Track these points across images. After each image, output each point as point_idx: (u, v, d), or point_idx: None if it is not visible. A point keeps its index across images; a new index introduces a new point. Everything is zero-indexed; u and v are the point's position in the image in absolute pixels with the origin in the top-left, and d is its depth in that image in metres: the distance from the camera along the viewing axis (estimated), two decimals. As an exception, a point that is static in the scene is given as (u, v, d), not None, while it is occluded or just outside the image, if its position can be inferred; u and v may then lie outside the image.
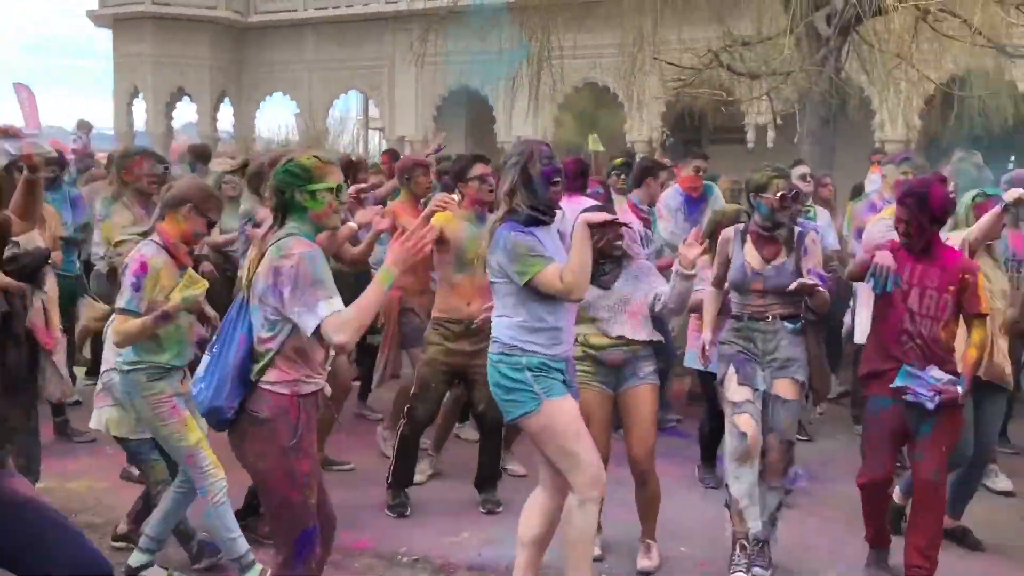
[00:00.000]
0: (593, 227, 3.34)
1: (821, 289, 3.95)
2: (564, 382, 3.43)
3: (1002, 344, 4.40)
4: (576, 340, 3.90)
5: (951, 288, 3.79)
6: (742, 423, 3.98)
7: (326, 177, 3.00)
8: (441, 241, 4.59)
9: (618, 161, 7.12)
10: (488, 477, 4.93)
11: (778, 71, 8.92)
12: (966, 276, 3.81)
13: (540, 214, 3.44)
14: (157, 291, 3.70)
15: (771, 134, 13.71)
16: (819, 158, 9.35)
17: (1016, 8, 8.45)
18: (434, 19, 12.29)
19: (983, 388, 4.27)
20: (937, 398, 3.68)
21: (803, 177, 6.90)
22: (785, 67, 8.77)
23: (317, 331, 2.82)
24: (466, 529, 4.61)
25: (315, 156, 3.04)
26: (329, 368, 3.20)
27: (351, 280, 4.72)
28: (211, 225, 4.00)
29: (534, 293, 3.36)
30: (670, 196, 6.60)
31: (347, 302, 2.88)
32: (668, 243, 6.33)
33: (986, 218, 4.25)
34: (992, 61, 9.38)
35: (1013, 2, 8.38)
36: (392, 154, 9.35)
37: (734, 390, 4.05)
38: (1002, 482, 5.28)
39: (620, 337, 4.02)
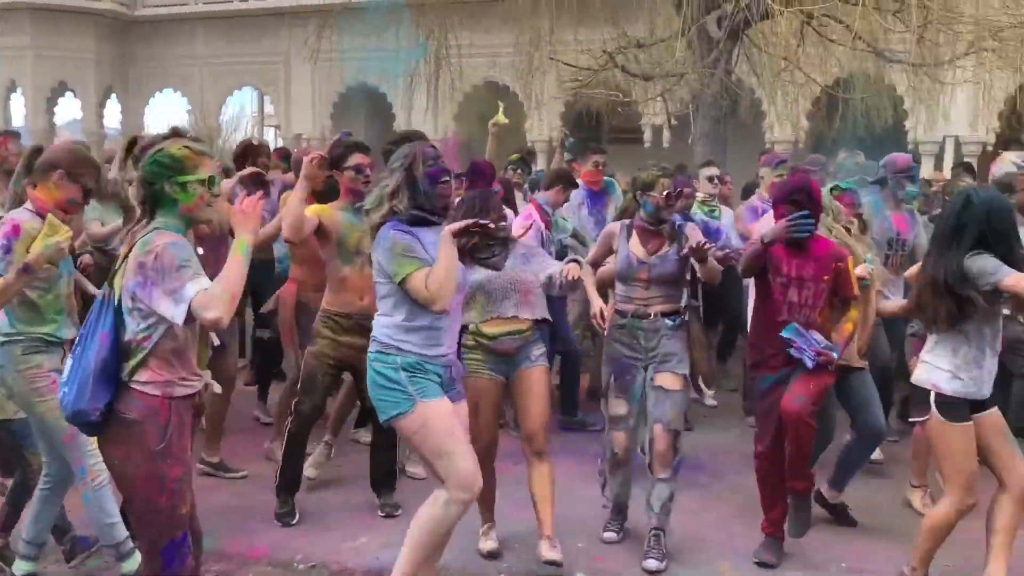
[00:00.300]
0: (459, 233, 3.35)
1: (711, 253, 4.16)
2: (441, 384, 3.43)
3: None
4: (468, 329, 4.00)
5: (825, 278, 4.10)
6: (616, 443, 4.35)
7: (198, 168, 2.89)
8: (321, 233, 4.56)
9: (514, 156, 7.17)
10: (384, 478, 4.86)
11: (671, 73, 9.12)
12: (839, 264, 4.13)
13: (428, 214, 3.44)
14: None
15: (667, 134, 14.01)
16: (712, 158, 9.61)
17: (893, 15, 8.84)
18: (330, 15, 12.10)
19: (841, 371, 4.40)
20: (817, 359, 3.98)
21: (711, 179, 7.10)
22: (678, 69, 8.96)
23: (190, 317, 2.71)
24: (364, 534, 4.54)
25: (186, 146, 2.91)
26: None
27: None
28: (87, 193, 3.75)
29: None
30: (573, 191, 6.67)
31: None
32: (578, 235, 6.38)
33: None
34: (873, 65, 9.79)
35: (890, 9, 8.76)
36: (283, 152, 9.13)
37: (613, 402, 4.33)
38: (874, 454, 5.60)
39: (513, 317, 4.08)
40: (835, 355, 4.05)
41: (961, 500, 3.70)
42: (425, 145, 3.53)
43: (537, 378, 4.16)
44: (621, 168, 8.64)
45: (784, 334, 4.03)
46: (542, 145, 15.29)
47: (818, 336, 4.05)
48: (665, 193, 4.22)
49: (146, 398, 2.81)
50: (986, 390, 3.73)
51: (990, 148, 13.33)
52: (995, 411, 3.78)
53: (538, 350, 4.19)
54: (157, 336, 2.81)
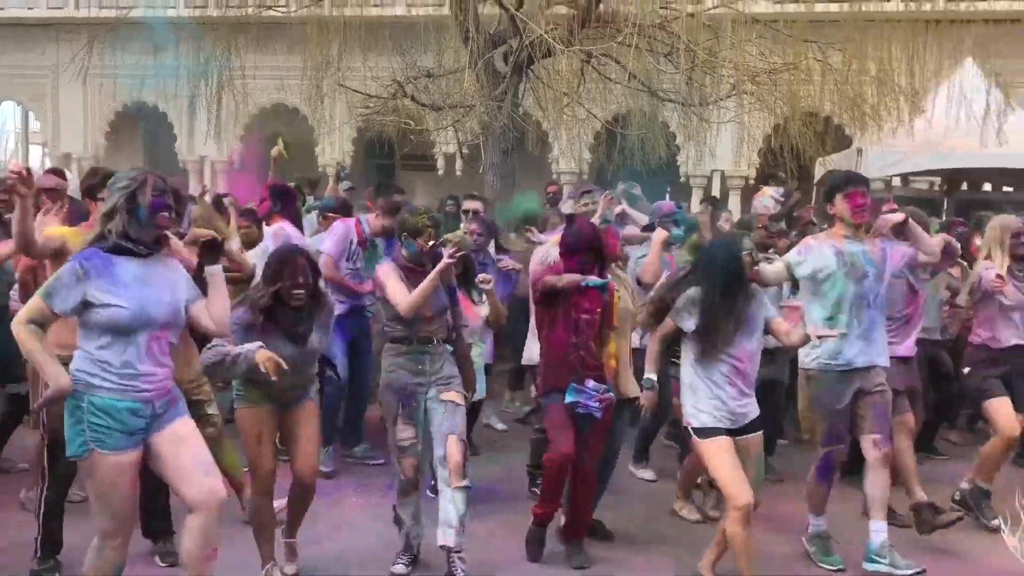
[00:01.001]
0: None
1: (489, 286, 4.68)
2: (129, 431, 3.24)
3: None
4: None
5: (599, 310, 4.48)
6: (408, 467, 4.40)
7: None
8: (61, 257, 4.10)
9: (292, 184, 7.06)
10: (160, 518, 4.53)
11: (460, 104, 9.28)
12: (609, 297, 4.54)
13: (134, 244, 3.30)
14: None
15: (459, 163, 14.22)
16: (501, 187, 9.86)
17: (665, 58, 9.47)
18: (103, 28, 11.37)
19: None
20: (601, 406, 4.39)
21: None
22: (467, 100, 9.13)
23: None
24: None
25: None
26: None
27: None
28: None
29: (96, 323, 3.21)
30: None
31: None
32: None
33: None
34: (648, 103, 10.40)
35: (662, 52, 9.38)
36: (58, 173, 8.44)
37: (400, 429, 4.38)
38: (647, 473, 6.08)
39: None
40: (612, 395, 4.51)
41: None
42: (157, 176, 3.39)
43: (309, 415, 4.25)
44: (415, 194, 8.69)
45: (567, 400, 4.38)
46: (334, 170, 15.08)
47: (593, 384, 4.40)
48: (431, 244, 4.44)
49: None
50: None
51: (751, 182, 14.56)
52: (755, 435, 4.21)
53: (313, 385, 4.30)
54: None
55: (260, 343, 3.83)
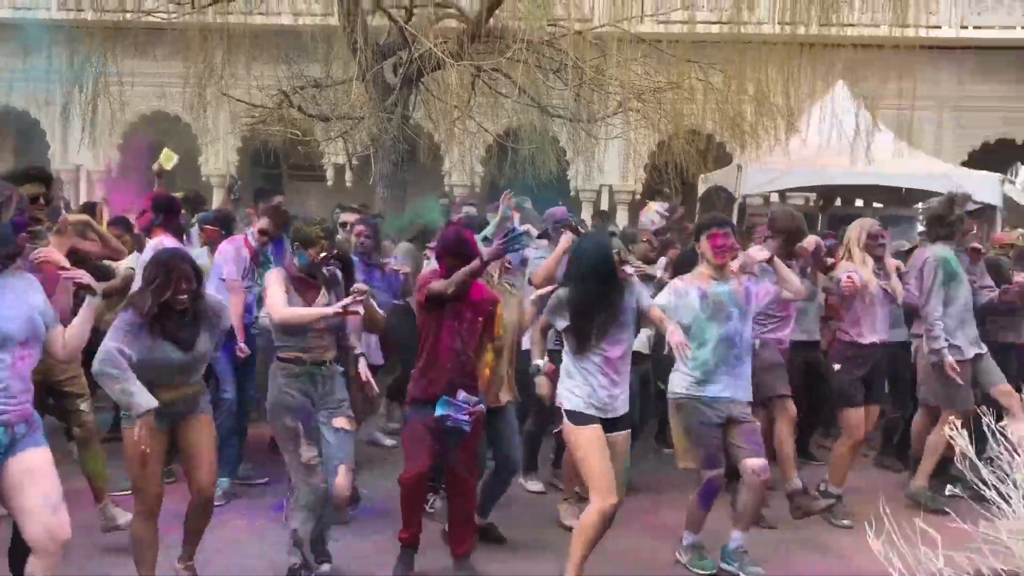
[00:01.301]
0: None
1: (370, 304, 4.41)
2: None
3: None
4: None
5: (480, 320, 4.48)
6: (317, 483, 4.31)
7: None
8: None
9: (179, 194, 6.82)
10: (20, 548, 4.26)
11: (349, 116, 9.17)
12: (492, 308, 4.55)
13: None
14: None
15: (349, 174, 14.05)
16: (392, 199, 9.80)
17: (554, 74, 9.61)
18: (-35, 29, 10.77)
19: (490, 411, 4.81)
20: (471, 420, 4.35)
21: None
22: (356, 112, 9.04)
23: None
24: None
25: None
26: None
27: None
28: None
29: None
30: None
31: None
32: None
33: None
34: (538, 118, 10.53)
35: (551, 68, 9.52)
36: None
37: (306, 449, 4.32)
38: (536, 485, 6.11)
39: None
40: (482, 407, 4.46)
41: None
42: (20, 195, 3.30)
43: (205, 428, 4.11)
44: (304, 205, 8.53)
45: (437, 413, 4.31)
46: (218, 180, 14.68)
47: (463, 396, 4.35)
48: (322, 255, 4.39)
49: None
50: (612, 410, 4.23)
51: (638, 197, 14.91)
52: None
53: (205, 397, 4.19)
54: None
55: (156, 404, 3.70)
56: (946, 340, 5.67)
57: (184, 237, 6.38)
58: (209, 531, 4.27)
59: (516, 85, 9.28)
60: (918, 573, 2.41)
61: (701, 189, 11.88)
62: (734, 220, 9.96)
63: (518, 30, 8.82)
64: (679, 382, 4.69)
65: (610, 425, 4.23)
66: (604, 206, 15.17)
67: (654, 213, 9.82)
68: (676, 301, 4.64)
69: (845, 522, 5.50)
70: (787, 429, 5.41)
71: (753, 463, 4.59)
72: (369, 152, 9.96)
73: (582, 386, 4.20)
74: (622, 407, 4.28)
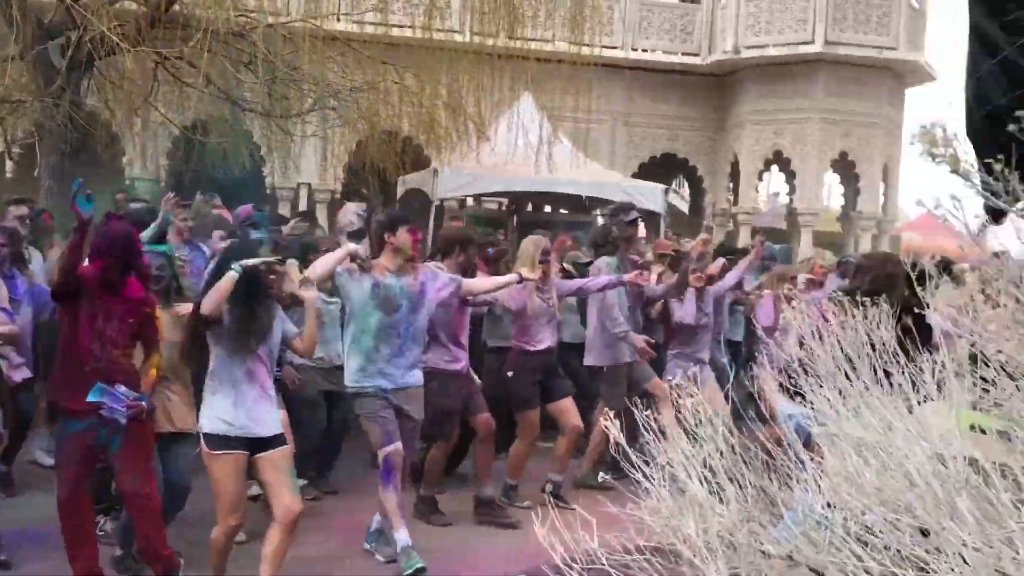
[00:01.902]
0: None
1: None
2: None
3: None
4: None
5: (131, 320, 4.20)
6: None
7: None
8: None
9: None
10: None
11: (7, 99, 8.22)
12: (146, 310, 4.30)
13: None
14: None
15: (9, 164, 12.63)
16: (60, 192, 8.90)
17: (245, 67, 9.26)
18: None
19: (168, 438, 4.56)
20: (129, 412, 4.05)
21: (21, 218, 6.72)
22: (13, 95, 8.12)
23: None
24: None
25: None
26: None
27: None
28: None
29: None
30: None
31: None
32: None
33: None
34: (230, 111, 10.07)
35: (242, 60, 9.15)
36: None
37: None
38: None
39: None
40: (144, 403, 4.14)
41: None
42: None
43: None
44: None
45: (90, 398, 4.01)
46: None
47: (123, 389, 4.08)
48: None
49: None
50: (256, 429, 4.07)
51: (337, 196, 14.78)
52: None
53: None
54: None
55: None
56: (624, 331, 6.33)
57: None
58: None
59: (202, 75, 8.80)
60: (576, 554, 2.62)
61: (400, 191, 12.02)
62: (431, 222, 10.21)
63: (203, 19, 8.36)
64: (352, 376, 4.91)
65: (265, 445, 4.10)
66: (303, 205, 14.86)
67: (352, 214, 9.80)
68: (351, 286, 4.87)
69: (526, 503, 5.97)
70: (485, 445, 5.76)
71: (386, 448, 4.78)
72: (33, 140, 9.01)
73: (224, 404, 4.07)
74: (275, 427, 4.19)
